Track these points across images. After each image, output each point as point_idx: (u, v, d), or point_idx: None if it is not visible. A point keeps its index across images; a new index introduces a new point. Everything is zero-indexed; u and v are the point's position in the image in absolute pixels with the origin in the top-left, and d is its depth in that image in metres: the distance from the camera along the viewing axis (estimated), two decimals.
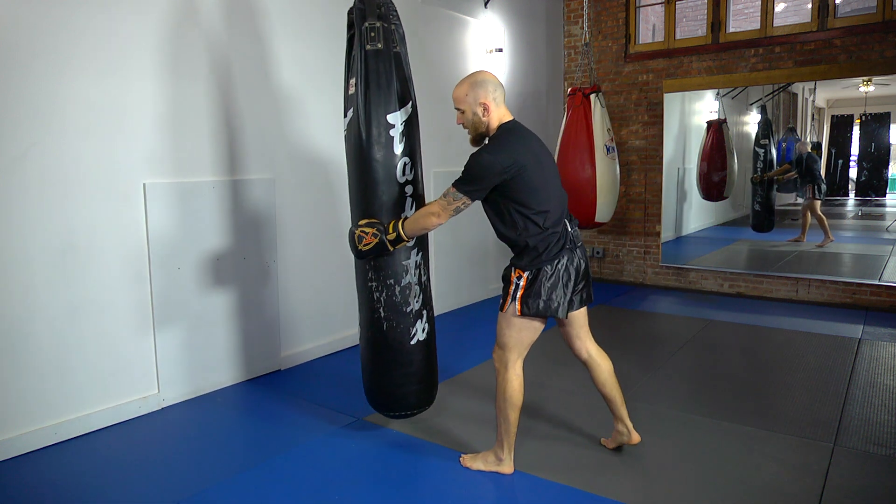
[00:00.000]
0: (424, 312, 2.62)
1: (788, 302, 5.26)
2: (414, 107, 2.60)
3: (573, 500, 2.26)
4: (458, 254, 5.09)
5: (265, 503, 2.26)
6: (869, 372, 3.52)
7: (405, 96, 2.55)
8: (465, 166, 2.22)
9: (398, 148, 2.51)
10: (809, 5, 5.08)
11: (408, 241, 2.42)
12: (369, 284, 2.57)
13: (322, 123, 3.80)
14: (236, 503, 2.26)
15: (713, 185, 6.23)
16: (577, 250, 2.31)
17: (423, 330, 2.61)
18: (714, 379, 3.50)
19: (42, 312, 2.67)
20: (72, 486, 2.39)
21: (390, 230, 2.37)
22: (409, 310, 2.57)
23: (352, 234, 2.44)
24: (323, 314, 3.91)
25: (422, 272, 2.61)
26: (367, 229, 2.39)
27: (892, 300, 4.92)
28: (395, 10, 2.57)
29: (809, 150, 5.91)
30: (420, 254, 2.60)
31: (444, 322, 4.72)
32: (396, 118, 2.51)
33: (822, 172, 5.89)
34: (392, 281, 2.54)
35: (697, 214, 6.58)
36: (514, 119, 2.36)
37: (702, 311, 5.02)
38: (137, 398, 3.02)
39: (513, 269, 2.28)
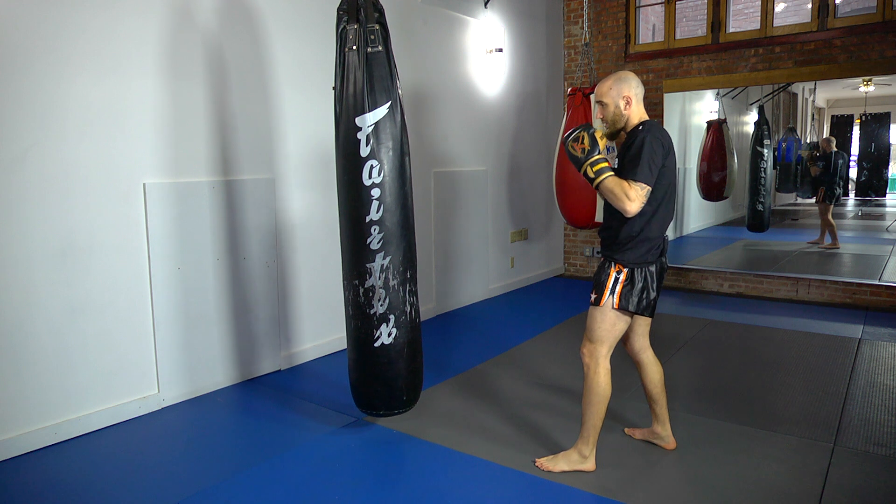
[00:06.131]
0: (392, 317, 2.60)
1: (788, 302, 5.26)
2: (392, 108, 2.55)
3: (572, 499, 2.27)
4: (458, 254, 5.09)
5: (265, 503, 2.26)
6: (869, 372, 3.52)
7: (379, 99, 2.51)
8: (631, 155, 2.23)
9: (364, 151, 2.50)
10: (809, 5, 5.08)
11: (595, 184, 2.29)
12: (343, 283, 2.66)
13: (322, 123, 3.80)
14: (236, 503, 2.26)
15: (713, 185, 6.23)
16: (664, 257, 2.43)
17: (390, 335, 2.59)
18: (714, 379, 3.50)
19: (42, 312, 2.67)
20: (72, 486, 2.39)
21: (591, 167, 2.25)
22: (372, 312, 2.57)
23: (567, 143, 2.33)
24: (323, 314, 3.91)
25: (390, 276, 2.58)
26: (583, 140, 2.27)
27: (892, 300, 4.91)
28: (381, 9, 2.54)
29: (835, 149, 5.87)
30: (388, 258, 2.57)
31: (444, 322, 4.73)
32: (365, 121, 2.49)
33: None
34: (357, 282, 2.57)
35: (697, 214, 6.58)
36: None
37: (702, 311, 5.02)
38: (137, 398, 3.02)
39: (613, 263, 2.35)
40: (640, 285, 2.33)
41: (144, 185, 2.99)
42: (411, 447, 2.68)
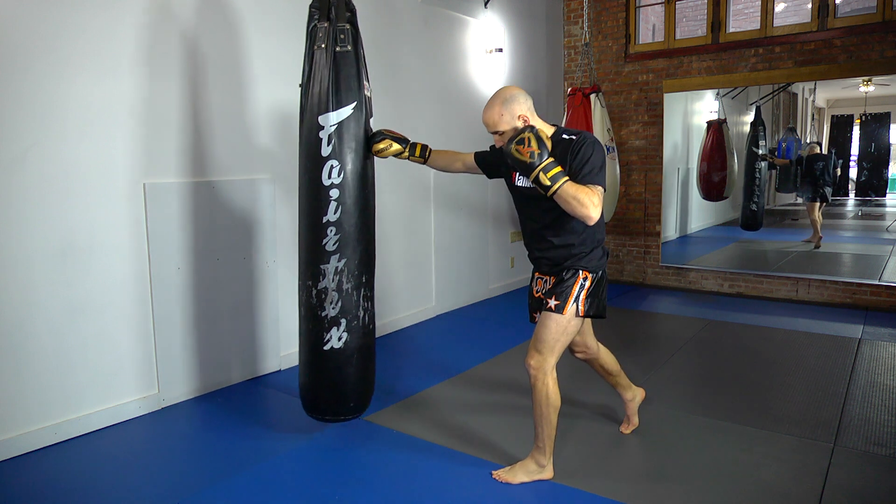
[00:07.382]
0: (343, 321, 2.53)
1: (788, 302, 5.26)
2: (358, 110, 2.51)
3: (572, 499, 2.27)
4: (458, 254, 5.09)
5: (265, 503, 2.26)
6: (869, 372, 3.52)
7: (344, 99, 2.47)
8: (583, 161, 2.12)
9: (325, 150, 2.46)
10: (809, 5, 5.08)
11: (550, 192, 2.09)
12: (298, 283, 2.63)
13: None
14: (236, 503, 2.26)
15: (713, 185, 6.24)
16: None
17: (340, 339, 2.53)
18: (714, 379, 3.50)
19: (42, 312, 2.67)
20: (72, 486, 2.39)
21: (544, 173, 2.06)
22: (323, 315, 2.52)
23: (511, 147, 2.11)
24: None
25: (344, 279, 2.51)
26: (529, 143, 2.07)
27: (892, 300, 4.91)
28: (353, 9, 2.51)
29: (815, 153, 5.93)
30: (343, 261, 2.51)
31: (444, 322, 4.73)
32: (328, 120, 2.46)
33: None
34: (310, 283, 2.53)
35: (698, 214, 6.59)
36: None
37: (702, 311, 5.02)
38: (137, 398, 3.02)
39: (579, 271, 2.30)
40: (600, 288, 2.34)
41: (144, 185, 2.99)
42: (412, 447, 2.68)
